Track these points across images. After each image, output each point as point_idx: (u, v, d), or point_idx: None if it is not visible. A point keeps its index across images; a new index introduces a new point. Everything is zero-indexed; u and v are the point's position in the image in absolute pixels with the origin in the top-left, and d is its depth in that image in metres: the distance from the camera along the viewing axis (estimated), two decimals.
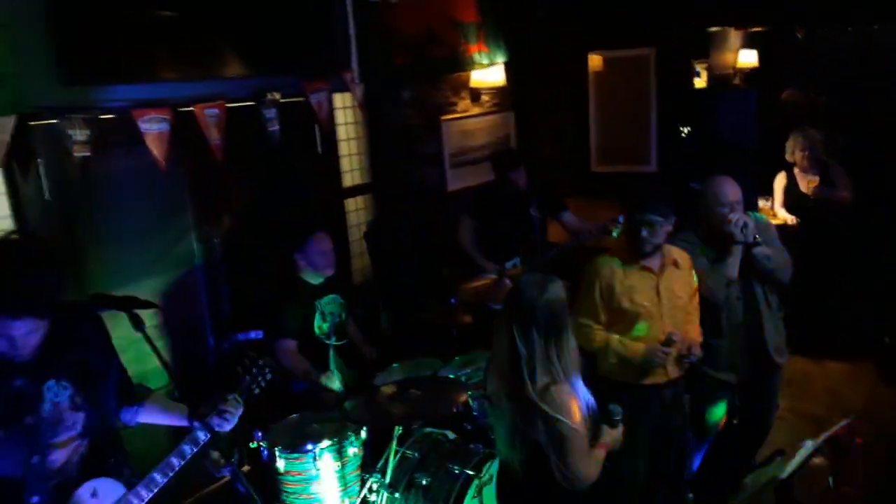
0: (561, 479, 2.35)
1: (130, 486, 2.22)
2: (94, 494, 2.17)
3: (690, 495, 2.96)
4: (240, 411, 2.37)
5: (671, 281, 3.15)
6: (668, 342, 3.00)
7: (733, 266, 3.26)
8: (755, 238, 3.20)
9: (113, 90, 3.30)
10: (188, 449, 2.26)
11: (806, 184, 5.28)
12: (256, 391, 2.45)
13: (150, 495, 2.21)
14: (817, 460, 2.74)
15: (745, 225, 3.17)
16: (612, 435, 2.50)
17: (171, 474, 2.23)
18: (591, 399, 2.44)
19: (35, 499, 2.07)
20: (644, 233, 3.02)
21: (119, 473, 2.26)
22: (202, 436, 2.26)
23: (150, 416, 2.44)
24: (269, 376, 2.48)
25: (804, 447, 2.60)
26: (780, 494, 2.71)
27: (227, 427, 2.34)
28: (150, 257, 3.73)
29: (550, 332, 2.36)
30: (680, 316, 3.17)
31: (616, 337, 3.09)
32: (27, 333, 1.98)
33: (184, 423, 2.35)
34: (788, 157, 5.32)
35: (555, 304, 2.37)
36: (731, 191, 3.27)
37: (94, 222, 3.43)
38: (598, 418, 2.48)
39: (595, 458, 2.41)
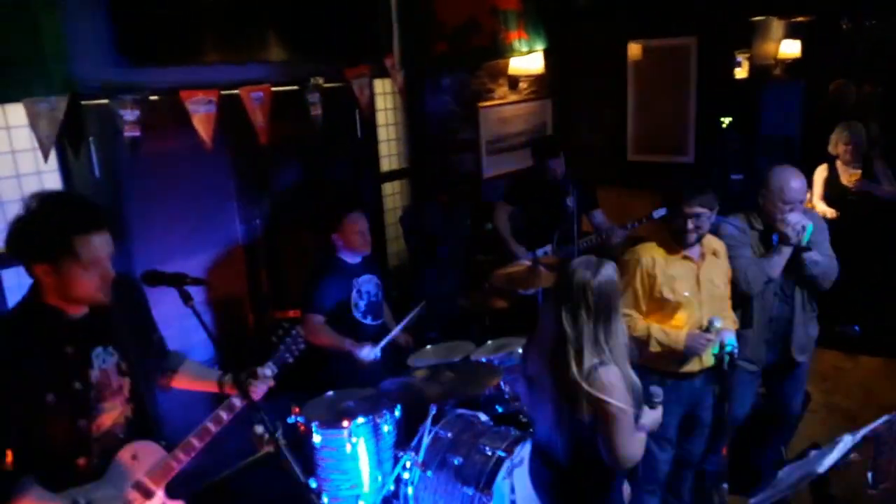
0: (608, 459, 2.37)
1: (168, 449, 2.31)
2: (134, 457, 2.25)
3: (724, 485, 2.96)
4: (272, 379, 2.44)
5: (710, 270, 3.14)
6: (710, 328, 2.99)
7: (777, 265, 3.23)
8: (808, 243, 3.16)
9: (162, 72, 3.37)
10: (224, 415, 2.33)
11: (848, 177, 5.19)
12: (290, 360, 2.52)
13: (188, 458, 2.29)
14: (855, 456, 2.71)
15: (802, 228, 3.12)
16: (652, 416, 2.51)
17: (207, 439, 2.30)
18: (637, 381, 2.46)
19: (81, 460, 2.15)
20: (690, 225, 3.00)
21: (159, 437, 2.35)
22: (237, 402, 2.33)
23: (183, 382, 2.53)
24: (301, 346, 2.54)
25: (842, 442, 2.58)
26: (816, 490, 2.70)
27: (260, 393, 2.41)
28: (195, 236, 3.82)
29: (600, 314, 2.35)
30: (717, 304, 3.16)
31: (657, 325, 3.09)
32: (111, 252, 2.09)
33: (215, 389, 2.45)
34: (832, 150, 5.23)
35: (606, 287, 2.35)
36: (796, 188, 3.17)
37: (142, 201, 3.52)
38: (640, 400, 2.49)
39: (639, 439, 2.44)
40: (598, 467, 2.41)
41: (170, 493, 2.34)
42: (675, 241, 3.10)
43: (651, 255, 3.11)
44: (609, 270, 2.38)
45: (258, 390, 2.42)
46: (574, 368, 2.33)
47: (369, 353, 3.52)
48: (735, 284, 3.25)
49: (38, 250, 2.01)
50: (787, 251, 3.20)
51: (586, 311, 2.34)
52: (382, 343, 3.56)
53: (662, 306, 3.09)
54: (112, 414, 2.21)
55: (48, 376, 2.04)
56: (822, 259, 3.26)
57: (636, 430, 2.42)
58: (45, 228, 2.00)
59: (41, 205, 2.05)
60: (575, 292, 2.36)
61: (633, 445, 2.38)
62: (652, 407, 2.51)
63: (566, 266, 2.46)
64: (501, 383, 3.53)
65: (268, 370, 2.45)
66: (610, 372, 2.33)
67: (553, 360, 2.41)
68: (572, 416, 2.36)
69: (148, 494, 2.25)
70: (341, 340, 3.57)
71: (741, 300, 3.31)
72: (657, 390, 2.53)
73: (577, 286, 2.36)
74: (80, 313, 2.14)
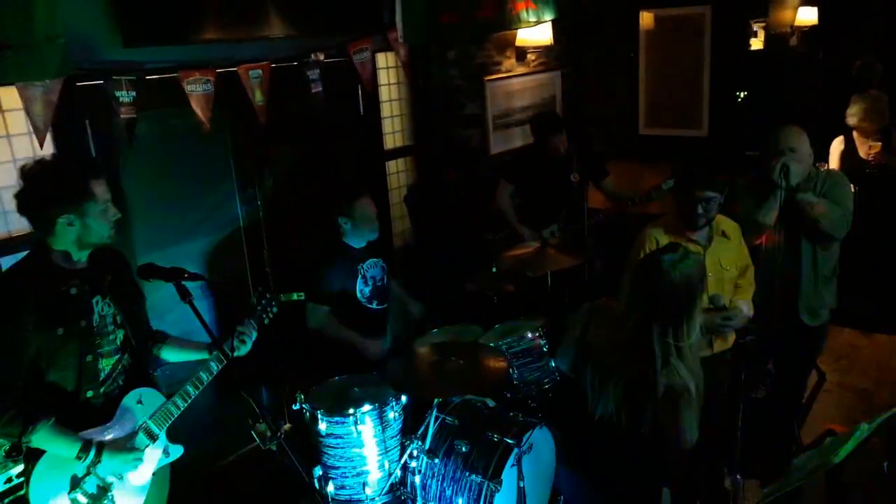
0: (674, 439, 2.42)
1: (168, 396, 2.56)
2: (139, 401, 2.50)
3: (738, 477, 2.91)
4: (253, 335, 2.69)
5: (718, 253, 3.08)
6: (716, 304, 2.89)
7: (768, 211, 3.22)
8: (797, 185, 3.13)
9: (158, 52, 3.28)
10: (214, 366, 2.57)
11: (866, 149, 5.04)
12: (266, 321, 2.79)
13: (185, 405, 2.54)
14: (872, 442, 2.66)
15: (785, 169, 3.10)
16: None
17: (201, 387, 2.55)
18: (701, 373, 2.47)
19: (89, 393, 2.38)
20: (700, 209, 2.95)
21: (158, 386, 2.62)
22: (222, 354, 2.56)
23: (172, 355, 2.74)
24: (275, 309, 2.81)
25: (859, 430, 2.51)
26: (831, 477, 2.64)
27: (243, 350, 2.64)
28: (194, 219, 3.76)
29: (670, 314, 2.33)
30: (727, 288, 3.09)
31: None
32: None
33: (203, 355, 2.66)
34: (850, 121, 5.07)
35: (677, 287, 2.31)
36: (783, 137, 3.21)
37: (140, 184, 3.45)
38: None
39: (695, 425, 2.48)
40: (652, 444, 2.45)
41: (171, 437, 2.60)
42: (684, 223, 3.05)
43: (655, 238, 3.07)
44: (687, 268, 2.32)
45: (243, 347, 2.65)
46: (650, 359, 2.33)
47: (377, 347, 3.51)
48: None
49: (65, 200, 2.23)
50: (775, 195, 3.19)
51: (656, 308, 2.32)
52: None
53: None
54: (111, 360, 2.44)
55: (58, 312, 2.27)
56: (822, 201, 3.21)
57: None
58: (67, 180, 2.26)
59: (51, 163, 2.31)
60: (648, 286, 2.35)
61: (694, 431, 2.43)
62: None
63: (647, 256, 2.50)
64: (510, 369, 3.47)
65: (249, 326, 2.70)
66: (679, 370, 2.34)
67: (627, 344, 2.40)
68: (642, 401, 2.38)
69: (152, 437, 2.49)
70: (350, 336, 3.53)
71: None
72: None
73: (650, 281, 2.34)
74: (83, 264, 2.36)
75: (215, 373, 2.58)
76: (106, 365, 2.42)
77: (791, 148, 3.18)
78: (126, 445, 2.40)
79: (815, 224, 3.23)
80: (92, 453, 2.29)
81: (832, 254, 3.39)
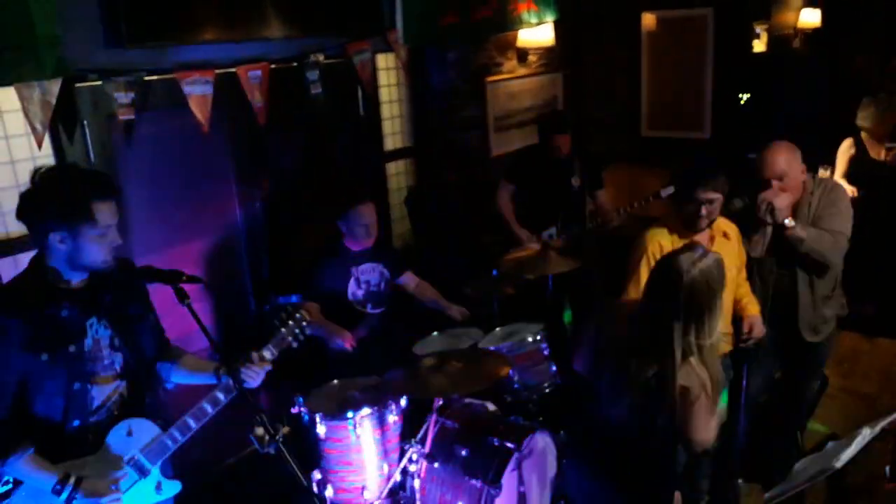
0: (686, 442, 2.38)
1: (164, 428, 2.34)
2: (129, 433, 2.30)
3: (740, 481, 2.89)
4: (270, 362, 2.45)
5: (721, 254, 3.05)
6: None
7: (757, 243, 3.17)
8: (783, 220, 3.04)
9: (156, 52, 3.27)
10: (221, 396, 2.36)
11: (877, 151, 4.98)
12: (294, 344, 2.52)
13: (184, 439, 2.33)
14: (874, 446, 2.64)
15: (770, 207, 3.01)
16: None
17: (204, 420, 2.34)
18: (723, 374, 2.47)
19: (76, 422, 2.21)
20: (703, 210, 2.94)
21: (155, 416, 2.38)
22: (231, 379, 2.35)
23: (182, 376, 2.54)
24: (306, 331, 2.54)
25: (860, 435, 2.49)
26: (833, 481, 2.63)
27: (255, 382, 2.41)
28: (193, 220, 3.75)
29: (691, 313, 2.27)
30: (730, 287, 3.06)
31: None
32: (116, 223, 2.19)
33: (213, 380, 2.45)
34: (861, 123, 5.01)
35: (698, 284, 2.25)
36: (769, 164, 3.07)
37: (138, 185, 3.44)
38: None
39: (714, 426, 2.41)
40: (667, 446, 2.44)
41: (165, 472, 2.40)
42: (686, 225, 3.03)
43: (657, 240, 3.05)
44: (707, 266, 2.28)
45: (256, 375, 2.42)
46: (669, 359, 2.28)
47: (341, 343, 3.41)
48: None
49: (58, 216, 2.08)
50: (764, 228, 3.13)
51: (676, 307, 2.26)
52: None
53: None
54: (105, 388, 2.26)
55: (43, 337, 2.11)
56: (810, 233, 3.11)
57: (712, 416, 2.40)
58: (65, 195, 2.09)
59: (58, 174, 2.19)
60: (666, 286, 2.29)
61: (710, 431, 2.37)
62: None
63: (667, 255, 2.42)
64: (510, 372, 3.45)
65: (267, 353, 2.47)
66: (698, 370, 2.29)
67: (644, 344, 2.35)
68: (657, 403, 2.33)
69: (143, 472, 2.30)
70: (324, 326, 3.45)
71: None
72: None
73: (669, 280, 2.29)
74: (79, 283, 2.20)
75: (222, 404, 2.37)
76: (100, 393, 2.25)
77: (779, 176, 3.08)
78: (107, 481, 2.22)
79: (806, 256, 3.16)
80: (69, 489, 2.13)
81: (831, 274, 3.32)
